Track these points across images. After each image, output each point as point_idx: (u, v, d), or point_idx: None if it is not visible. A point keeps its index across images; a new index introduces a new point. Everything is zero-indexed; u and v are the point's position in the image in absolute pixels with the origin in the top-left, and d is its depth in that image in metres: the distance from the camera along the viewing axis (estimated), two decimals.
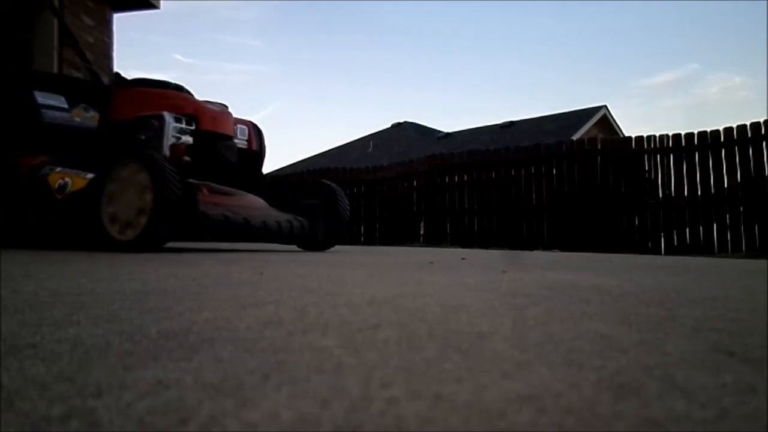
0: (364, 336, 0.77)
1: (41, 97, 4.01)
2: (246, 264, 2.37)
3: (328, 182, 4.66)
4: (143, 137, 3.68)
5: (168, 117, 3.68)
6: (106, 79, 4.93)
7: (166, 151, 3.62)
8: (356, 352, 0.68)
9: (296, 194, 4.57)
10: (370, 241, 9.70)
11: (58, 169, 3.70)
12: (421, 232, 9.27)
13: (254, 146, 4.35)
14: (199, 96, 4.16)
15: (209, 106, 4.07)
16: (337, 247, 4.79)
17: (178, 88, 4.08)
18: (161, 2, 7.84)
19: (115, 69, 7.69)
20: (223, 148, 3.99)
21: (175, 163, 3.43)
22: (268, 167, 23.75)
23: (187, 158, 3.76)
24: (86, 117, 4.27)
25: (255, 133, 4.41)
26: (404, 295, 1.25)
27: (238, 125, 4.27)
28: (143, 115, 3.73)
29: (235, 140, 4.17)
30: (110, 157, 3.53)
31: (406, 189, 9.54)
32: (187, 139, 3.79)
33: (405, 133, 22.26)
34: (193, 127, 3.84)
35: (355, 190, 10.13)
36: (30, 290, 1.24)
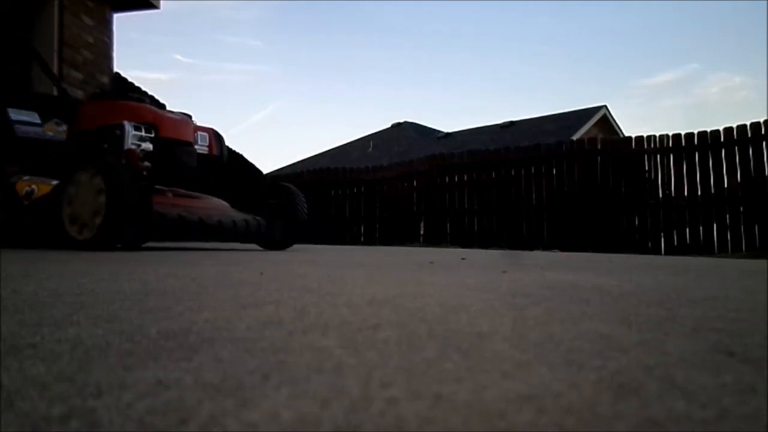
0: (364, 336, 0.77)
1: (14, 114, 4.27)
2: (246, 264, 2.37)
3: (287, 184, 4.93)
4: (105, 146, 3.93)
5: (127, 125, 3.93)
6: (80, 94, 5.16)
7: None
8: (356, 352, 0.68)
9: (263, 195, 4.82)
10: (370, 241, 9.70)
11: (26, 177, 3.98)
12: (421, 232, 9.28)
13: (215, 151, 4.60)
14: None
15: (169, 114, 4.32)
16: (340, 247, 4.86)
17: (140, 100, 4.35)
18: (161, 2, 7.84)
19: (115, 69, 7.70)
20: (183, 153, 4.23)
21: (132, 168, 3.66)
22: (268, 167, 23.76)
23: (146, 164, 3.94)
24: (58, 131, 4.53)
25: (215, 139, 4.64)
26: (404, 295, 1.25)
27: (199, 132, 4.50)
28: (105, 125, 3.99)
29: (196, 146, 4.40)
30: (75, 165, 3.77)
31: (406, 189, 9.54)
32: (147, 145, 4.02)
33: (405, 133, 22.26)
34: (152, 135, 4.07)
35: (355, 190, 10.14)
36: (30, 290, 1.24)
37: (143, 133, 4.00)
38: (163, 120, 4.17)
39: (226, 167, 4.70)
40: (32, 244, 4.01)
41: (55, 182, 3.81)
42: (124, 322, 0.86)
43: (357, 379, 0.55)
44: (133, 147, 3.89)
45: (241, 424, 0.43)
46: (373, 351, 0.68)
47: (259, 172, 5.32)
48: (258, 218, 4.24)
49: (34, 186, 3.88)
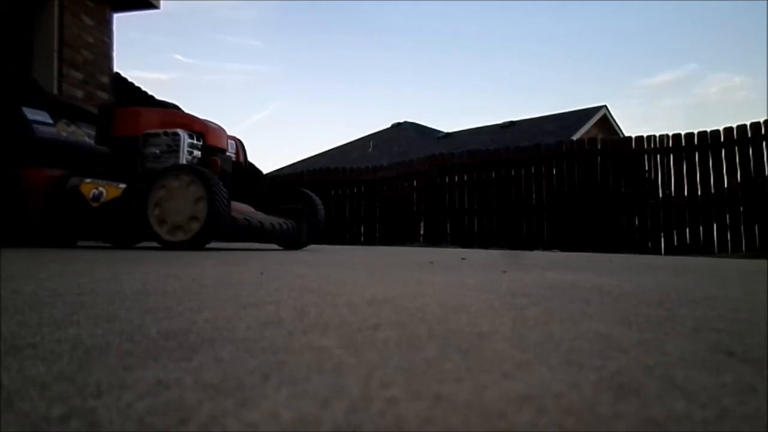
0: (364, 336, 0.77)
1: (30, 114, 4.31)
2: (246, 264, 2.37)
3: (307, 191, 5.27)
4: (157, 151, 4.10)
5: (183, 134, 4.13)
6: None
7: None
8: (356, 352, 0.68)
9: (274, 199, 5.22)
10: (370, 241, 9.70)
11: (88, 180, 4.07)
12: (421, 232, 9.27)
13: (241, 158, 4.85)
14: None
15: (212, 124, 4.53)
16: (340, 247, 4.94)
17: (175, 107, 4.60)
18: (161, 2, 7.84)
19: (115, 69, 7.70)
20: (223, 161, 4.46)
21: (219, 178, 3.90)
22: (268, 167, 23.77)
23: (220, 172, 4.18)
24: (70, 132, 4.62)
25: (240, 147, 4.89)
26: (404, 295, 1.25)
27: (229, 140, 4.73)
28: (154, 131, 4.16)
29: (228, 153, 4.64)
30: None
31: (406, 189, 9.54)
32: (197, 153, 4.24)
33: (405, 133, 22.25)
34: (201, 143, 4.30)
35: (355, 190, 10.14)
36: (30, 290, 1.24)
37: (195, 141, 4.23)
38: (208, 129, 4.40)
39: (248, 173, 4.98)
40: (105, 246, 4.26)
41: (122, 185, 3.97)
42: (124, 322, 0.86)
43: (357, 379, 0.55)
44: (187, 155, 4.12)
45: (241, 424, 0.43)
46: (373, 351, 0.68)
47: (263, 176, 5.56)
48: (289, 222, 4.61)
49: (102, 189, 3.99)
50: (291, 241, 4.79)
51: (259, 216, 4.36)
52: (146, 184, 3.82)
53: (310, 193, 5.18)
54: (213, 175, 3.78)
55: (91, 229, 4.22)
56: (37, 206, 4.02)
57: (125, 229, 4.13)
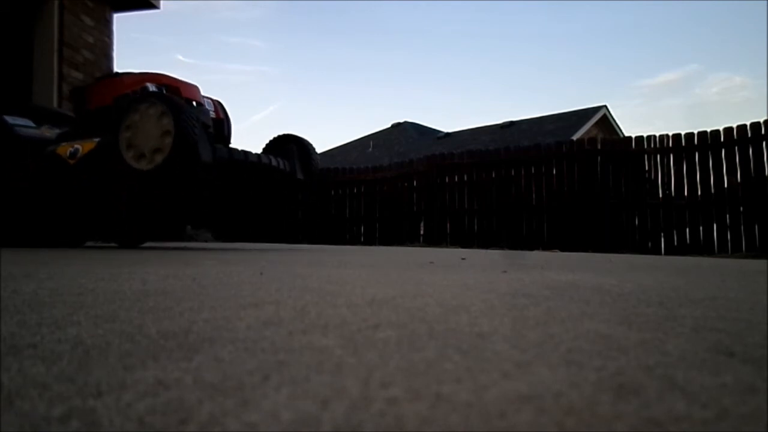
0: (364, 336, 0.77)
1: (10, 119, 4.41)
2: (246, 264, 2.37)
3: (298, 135, 5.20)
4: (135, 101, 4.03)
5: (150, 86, 4.11)
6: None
7: None
8: (356, 352, 0.68)
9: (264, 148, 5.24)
10: (370, 241, 9.70)
11: (64, 143, 4.09)
12: (421, 232, 9.27)
13: (220, 115, 4.87)
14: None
15: (183, 79, 4.54)
16: (340, 247, 4.94)
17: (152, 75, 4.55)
18: (161, 2, 7.83)
19: (115, 69, 7.69)
20: (201, 113, 4.41)
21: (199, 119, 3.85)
22: None
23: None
24: (54, 132, 4.66)
25: (220, 106, 4.93)
26: (404, 295, 1.25)
27: (206, 99, 4.77)
28: (122, 94, 4.14)
29: (205, 108, 4.65)
30: (134, 99, 3.97)
31: (406, 189, 9.54)
32: None
33: (405, 133, 22.25)
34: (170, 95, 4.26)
35: (355, 190, 10.13)
36: (30, 290, 1.24)
37: (165, 93, 4.16)
38: (180, 83, 4.40)
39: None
40: (105, 245, 4.25)
41: (97, 139, 3.96)
42: (124, 322, 0.86)
43: (357, 379, 0.55)
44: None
45: (241, 424, 0.43)
46: (373, 351, 0.68)
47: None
48: (279, 159, 4.63)
49: (77, 145, 4.01)
50: (288, 179, 4.80)
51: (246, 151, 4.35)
52: (117, 111, 3.81)
53: (302, 137, 5.17)
54: (184, 103, 3.74)
55: (72, 187, 4.21)
56: (26, 179, 4.12)
57: (103, 178, 4.10)
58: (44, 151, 4.10)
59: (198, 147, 3.68)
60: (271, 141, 5.13)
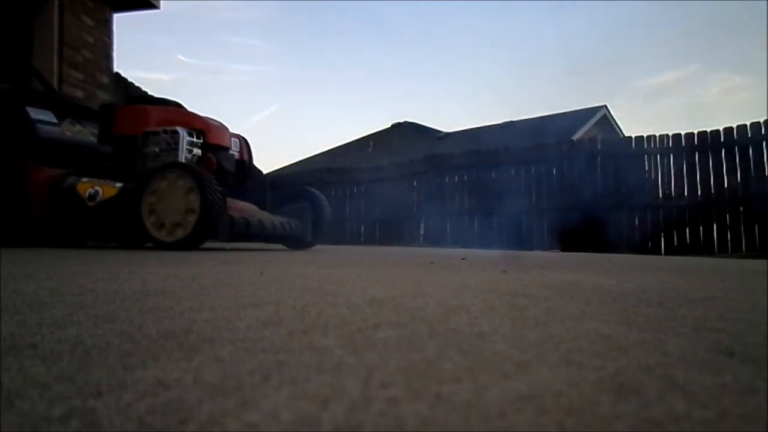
0: (364, 336, 0.77)
1: (33, 113, 4.32)
2: (246, 264, 2.37)
3: (313, 190, 5.27)
4: (156, 150, 4.08)
5: (182, 131, 4.10)
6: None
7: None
8: (356, 352, 0.67)
9: (280, 198, 5.19)
10: (370, 241, 9.70)
11: (85, 179, 4.05)
12: (421, 232, 9.28)
13: (245, 156, 4.82)
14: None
15: (213, 122, 4.50)
16: (340, 248, 4.97)
17: (178, 105, 4.52)
18: (161, 2, 7.83)
19: (115, 69, 7.69)
20: (224, 159, 4.43)
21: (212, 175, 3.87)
22: (268, 166, 23.80)
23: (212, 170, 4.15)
24: (75, 131, 4.62)
25: (245, 145, 4.87)
26: (404, 295, 1.25)
27: (232, 138, 4.70)
28: (154, 129, 4.14)
29: (230, 152, 4.61)
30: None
31: (405, 189, 9.54)
32: (197, 151, 4.22)
33: (405, 133, 22.24)
34: (201, 141, 4.27)
35: (355, 190, 10.14)
36: (30, 290, 1.24)
37: (195, 139, 4.21)
38: (209, 126, 4.38)
39: (252, 172, 4.95)
40: (106, 246, 4.24)
41: (118, 184, 3.95)
42: (124, 322, 0.86)
43: (357, 379, 0.55)
44: (186, 153, 4.09)
45: (241, 424, 0.43)
46: (373, 351, 0.68)
47: (263, 175, 5.55)
48: (293, 221, 4.60)
49: (98, 188, 3.97)
50: (296, 242, 4.78)
51: (261, 215, 4.33)
52: (137, 185, 3.83)
53: (316, 192, 5.17)
54: (203, 170, 3.78)
55: (87, 229, 4.22)
56: (38, 205, 4.03)
57: (121, 229, 4.13)
58: (62, 184, 4.04)
59: (219, 226, 3.73)
60: (287, 191, 5.17)
